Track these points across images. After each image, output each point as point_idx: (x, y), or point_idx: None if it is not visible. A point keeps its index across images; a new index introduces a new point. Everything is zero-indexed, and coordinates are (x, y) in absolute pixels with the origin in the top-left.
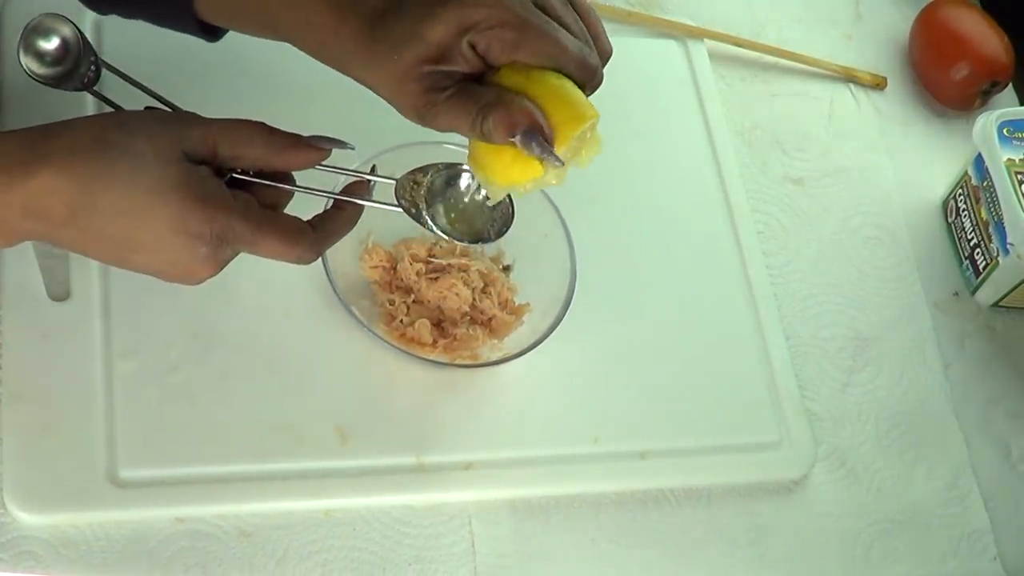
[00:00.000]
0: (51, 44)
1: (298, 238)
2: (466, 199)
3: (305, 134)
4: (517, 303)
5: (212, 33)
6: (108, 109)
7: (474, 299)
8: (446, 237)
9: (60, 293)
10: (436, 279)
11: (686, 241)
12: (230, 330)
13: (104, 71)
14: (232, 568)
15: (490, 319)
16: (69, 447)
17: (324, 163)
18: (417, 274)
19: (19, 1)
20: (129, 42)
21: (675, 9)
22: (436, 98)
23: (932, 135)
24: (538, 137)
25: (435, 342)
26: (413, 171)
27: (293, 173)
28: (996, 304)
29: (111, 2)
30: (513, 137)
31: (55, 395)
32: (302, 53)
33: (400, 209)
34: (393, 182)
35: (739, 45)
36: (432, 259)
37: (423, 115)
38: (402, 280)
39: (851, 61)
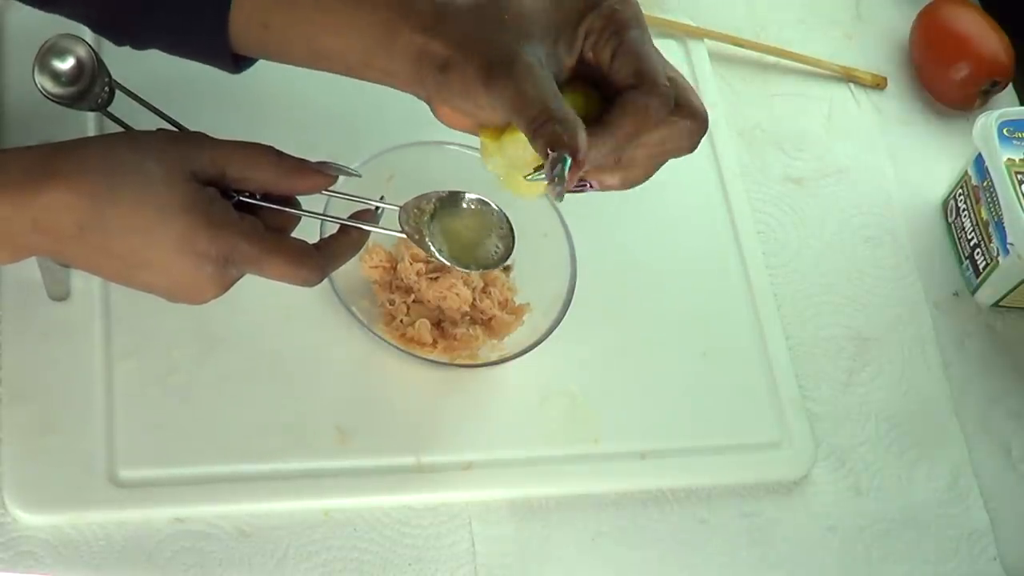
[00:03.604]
0: (66, 64)
1: (304, 260)
2: (468, 225)
3: (313, 156)
4: (517, 303)
5: (237, 64)
6: (118, 129)
7: (474, 299)
8: (448, 263)
9: (60, 293)
10: (436, 279)
11: (686, 241)
12: (230, 330)
13: (117, 92)
14: (232, 568)
15: (490, 319)
16: (69, 447)
17: (330, 188)
18: (417, 274)
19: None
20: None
21: (675, 9)
22: (523, 61)
23: (932, 135)
24: (567, 164)
25: (435, 342)
26: (417, 198)
27: (299, 198)
28: (996, 304)
29: (128, 32)
30: (550, 153)
31: (55, 395)
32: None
33: (404, 235)
34: (397, 208)
35: (739, 45)
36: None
37: (496, 66)
38: (402, 280)
39: (851, 61)
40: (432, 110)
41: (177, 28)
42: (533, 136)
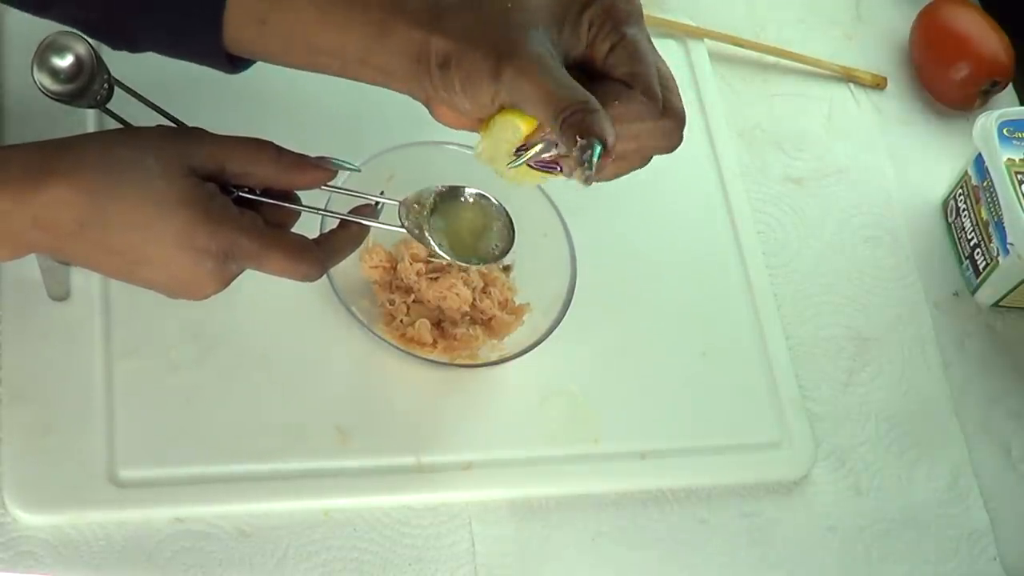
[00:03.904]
0: (65, 61)
1: (304, 255)
2: (468, 220)
3: (312, 154)
4: (517, 303)
5: (233, 64)
6: (117, 126)
7: (474, 299)
8: (447, 258)
9: (60, 293)
10: (436, 279)
11: (686, 241)
12: (230, 330)
13: (116, 89)
14: (232, 568)
15: (490, 319)
16: (69, 447)
17: (330, 184)
18: (417, 274)
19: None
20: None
21: (675, 9)
22: (533, 51)
23: (932, 135)
24: (598, 152)
25: (435, 342)
26: (416, 192)
27: (298, 193)
28: (996, 304)
29: (124, 36)
30: (579, 140)
31: (55, 395)
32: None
33: (403, 230)
34: (397, 203)
35: (739, 45)
36: (432, 259)
37: (505, 57)
38: (402, 280)
39: (851, 61)
40: (429, 110)
41: (173, 28)
42: (562, 126)
